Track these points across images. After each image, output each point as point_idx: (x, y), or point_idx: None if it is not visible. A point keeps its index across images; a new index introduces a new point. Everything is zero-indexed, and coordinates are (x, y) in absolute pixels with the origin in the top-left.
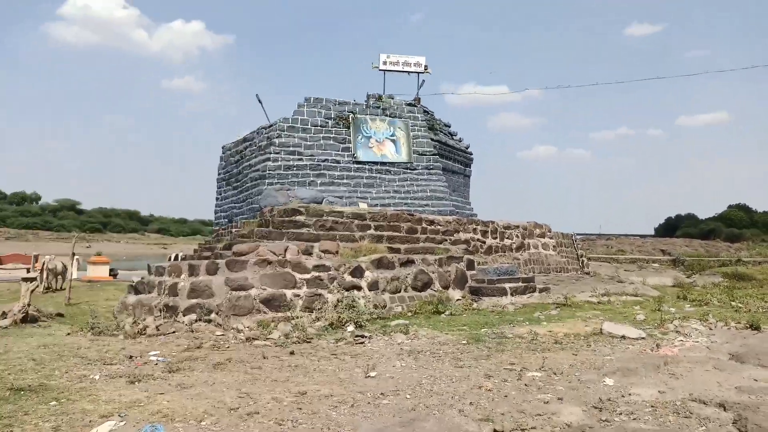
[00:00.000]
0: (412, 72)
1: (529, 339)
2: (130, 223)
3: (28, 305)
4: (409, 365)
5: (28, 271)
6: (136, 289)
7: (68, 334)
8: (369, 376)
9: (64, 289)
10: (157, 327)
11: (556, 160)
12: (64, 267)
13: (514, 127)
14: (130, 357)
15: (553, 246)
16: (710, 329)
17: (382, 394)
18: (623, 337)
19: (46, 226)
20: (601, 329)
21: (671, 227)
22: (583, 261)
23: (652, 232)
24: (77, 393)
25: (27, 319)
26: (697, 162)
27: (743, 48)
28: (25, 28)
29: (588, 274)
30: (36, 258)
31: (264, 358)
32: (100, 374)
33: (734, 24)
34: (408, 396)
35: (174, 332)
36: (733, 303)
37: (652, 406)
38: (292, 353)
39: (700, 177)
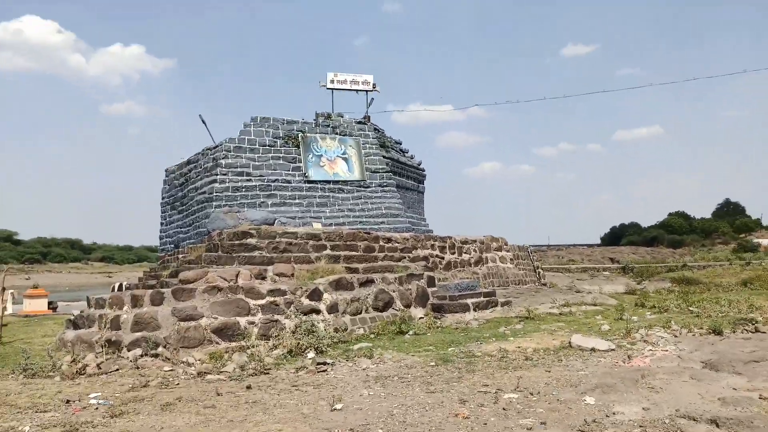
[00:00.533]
0: (360, 90)
1: (499, 357)
2: (72, 252)
3: None
4: (377, 393)
5: None
6: (75, 324)
7: None
8: (335, 409)
9: None
10: (98, 365)
11: (502, 176)
12: None
13: (460, 145)
14: (67, 402)
15: (511, 259)
16: (675, 336)
17: (351, 429)
18: (593, 349)
19: None
20: (569, 342)
21: (616, 236)
22: (539, 272)
23: (599, 241)
24: None
25: None
26: (637, 173)
27: (669, 65)
28: None
29: (545, 285)
30: None
31: (218, 394)
32: (31, 425)
33: (660, 43)
34: (380, 430)
35: (117, 370)
36: (691, 308)
37: (640, 426)
38: (248, 387)
39: (640, 187)
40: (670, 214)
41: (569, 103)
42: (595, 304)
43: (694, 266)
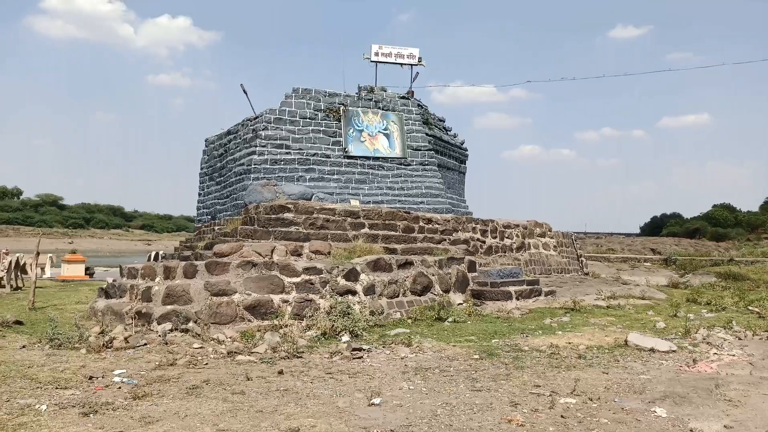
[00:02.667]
0: (405, 64)
1: (549, 353)
2: (114, 219)
3: None
4: (417, 388)
5: None
6: (106, 293)
7: (23, 347)
8: (373, 404)
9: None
10: (126, 338)
11: (541, 160)
12: (26, 265)
13: (500, 127)
14: (90, 378)
15: (554, 246)
16: (740, 339)
17: (391, 431)
18: (652, 350)
19: (27, 222)
20: (625, 340)
21: (657, 226)
22: (582, 261)
23: (638, 231)
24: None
25: None
26: (681, 162)
27: (723, 50)
28: (7, 20)
29: (588, 274)
30: (5, 255)
31: (248, 379)
32: (48, 403)
33: (715, 27)
34: None
35: (145, 344)
36: (750, 307)
37: None
38: (280, 372)
39: (683, 177)
40: (714, 206)
41: (614, 87)
42: (643, 298)
43: (741, 261)
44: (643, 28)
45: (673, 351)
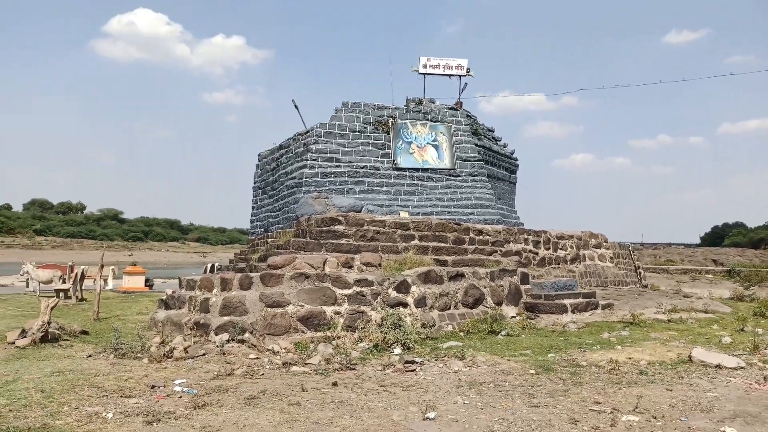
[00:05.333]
0: (453, 75)
1: (608, 368)
2: (171, 232)
3: (48, 323)
4: (473, 402)
5: (64, 281)
6: (166, 304)
7: (89, 356)
8: (427, 418)
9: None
10: (185, 349)
11: (594, 168)
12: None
13: (550, 136)
14: (152, 387)
15: (610, 257)
16: None
17: None
18: (719, 366)
19: (90, 235)
20: (689, 356)
21: (718, 236)
22: (641, 273)
23: (698, 241)
24: None
25: (47, 338)
26: (742, 169)
27: None
28: (73, 44)
29: (646, 287)
30: (71, 268)
31: (303, 390)
32: (114, 411)
33: None
34: None
35: (204, 355)
36: None
37: None
38: (335, 384)
39: (745, 184)
40: None
41: (670, 93)
42: (706, 311)
43: None
44: (699, 32)
45: (742, 367)
